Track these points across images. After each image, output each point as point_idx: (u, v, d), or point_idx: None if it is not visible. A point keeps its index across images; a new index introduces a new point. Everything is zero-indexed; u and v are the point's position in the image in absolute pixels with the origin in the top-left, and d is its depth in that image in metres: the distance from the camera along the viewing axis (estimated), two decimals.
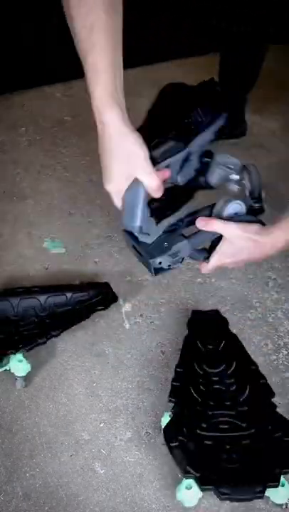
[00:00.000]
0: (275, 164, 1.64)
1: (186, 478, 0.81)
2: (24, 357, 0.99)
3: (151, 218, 0.87)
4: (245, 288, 1.24)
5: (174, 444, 0.83)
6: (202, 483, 0.79)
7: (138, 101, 1.96)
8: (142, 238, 0.85)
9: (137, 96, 1.99)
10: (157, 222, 0.89)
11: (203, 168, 0.92)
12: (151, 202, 0.88)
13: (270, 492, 0.81)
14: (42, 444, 0.94)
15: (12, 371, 0.99)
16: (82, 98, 2.03)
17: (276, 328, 1.14)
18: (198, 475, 0.80)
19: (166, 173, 0.84)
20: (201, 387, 0.93)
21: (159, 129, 1.01)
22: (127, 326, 1.15)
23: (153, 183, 0.80)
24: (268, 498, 0.83)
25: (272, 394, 0.92)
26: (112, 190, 0.84)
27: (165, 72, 2.10)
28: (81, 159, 1.62)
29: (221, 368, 0.96)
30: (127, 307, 1.18)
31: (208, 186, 0.94)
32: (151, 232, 0.87)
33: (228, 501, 0.85)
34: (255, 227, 0.88)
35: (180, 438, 0.84)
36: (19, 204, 1.49)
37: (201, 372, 0.96)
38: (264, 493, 0.78)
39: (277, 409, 0.93)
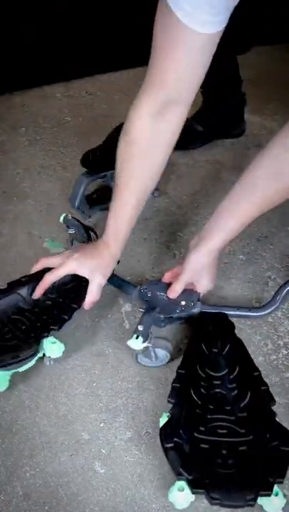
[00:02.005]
0: None
1: (179, 480, 0.80)
2: (56, 337, 1.01)
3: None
4: (245, 288, 1.24)
5: (169, 445, 0.83)
6: (194, 486, 0.79)
7: None
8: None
9: None
10: (91, 207, 1.41)
11: None
12: (91, 194, 1.45)
13: (263, 501, 0.80)
14: (42, 444, 0.94)
15: (48, 354, 1.01)
16: (82, 98, 2.05)
17: (276, 328, 1.14)
18: (190, 478, 0.79)
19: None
20: (202, 390, 0.93)
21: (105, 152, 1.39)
22: (127, 326, 1.15)
23: (90, 298, 1.05)
24: (261, 507, 0.82)
25: (273, 401, 0.91)
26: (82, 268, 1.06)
27: None
28: None
29: (224, 372, 0.95)
30: (127, 307, 1.19)
31: None
32: None
33: None
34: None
35: (176, 439, 0.83)
36: (19, 204, 1.49)
37: (203, 375, 0.95)
38: (256, 501, 0.77)
39: (277, 409, 0.93)
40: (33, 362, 0.99)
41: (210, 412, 0.89)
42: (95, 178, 1.38)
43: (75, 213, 1.42)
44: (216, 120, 1.69)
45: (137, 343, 0.97)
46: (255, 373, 0.95)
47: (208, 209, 1.45)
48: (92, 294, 1.04)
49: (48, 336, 1.01)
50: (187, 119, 1.71)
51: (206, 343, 1.00)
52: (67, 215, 1.24)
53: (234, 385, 0.93)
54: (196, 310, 1.08)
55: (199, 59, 0.92)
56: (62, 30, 2.00)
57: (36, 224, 1.41)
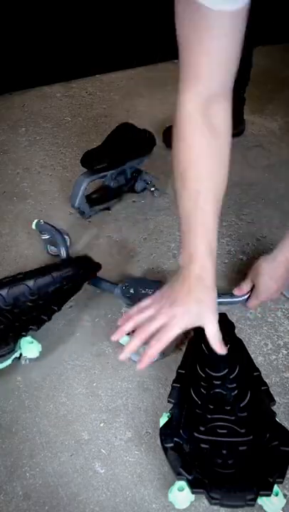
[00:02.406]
0: (275, 164, 1.64)
1: (178, 480, 0.80)
2: (34, 337, 1.01)
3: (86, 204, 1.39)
4: None
5: (169, 445, 0.83)
6: (193, 486, 0.79)
7: (138, 101, 1.96)
8: None
9: (137, 96, 2.00)
10: (91, 207, 1.40)
11: (132, 179, 1.47)
12: (91, 194, 1.43)
13: (263, 501, 0.80)
14: (42, 444, 0.94)
15: (24, 354, 1.01)
16: (82, 98, 2.05)
17: (276, 328, 1.14)
18: (190, 478, 0.79)
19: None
20: (202, 390, 0.93)
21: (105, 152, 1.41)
22: None
23: (214, 329, 0.88)
24: (261, 507, 0.82)
25: (273, 401, 0.91)
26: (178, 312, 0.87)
27: (165, 72, 2.10)
28: None
29: (224, 372, 0.95)
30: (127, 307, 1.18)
31: (133, 191, 1.49)
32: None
33: None
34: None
35: (175, 439, 0.83)
36: (19, 204, 1.49)
37: (203, 375, 0.95)
38: (255, 501, 0.77)
39: (277, 409, 0.93)
40: (9, 361, 0.99)
41: (210, 412, 0.89)
42: (95, 178, 1.38)
43: (74, 213, 1.42)
44: None
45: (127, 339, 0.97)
46: (255, 373, 0.95)
47: None
48: (214, 337, 0.89)
49: (26, 336, 1.01)
50: None
51: (206, 343, 1.00)
52: (39, 221, 1.23)
53: (234, 385, 0.93)
54: None
55: (229, 43, 0.84)
56: (62, 30, 1.99)
57: None
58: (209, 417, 0.88)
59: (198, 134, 0.90)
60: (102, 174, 1.38)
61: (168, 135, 1.69)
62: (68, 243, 1.28)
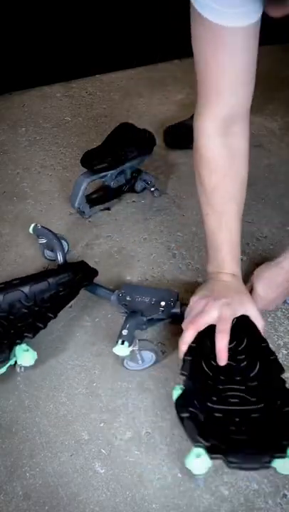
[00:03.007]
0: (275, 164, 1.64)
1: (196, 447, 0.80)
2: (29, 345, 0.99)
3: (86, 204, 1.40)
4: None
5: (185, 414, 0.83)
6: (211, 452, 0.80)
7: (138, 101, 1.96)
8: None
9: (137, 96, 2.00)
10: (91, 207, 1.41)
11: (132, 179, 1.47)
12: (91, 194, 1.45)
13: (277, 463, 0.80)
14: (42, 444, 0.94)
15: (19, 362, 0.98)
16: (82, 98, 2.05)
17: (276, 328, 1.14)
18: (208, 444, 0.80)
19: None
20: (212, 362, 0.93)
21: (105, 152, 1.41)
22: None
23: (262, 323, 0.97)
24: (275, 469, 0.82)
25: (282, 370, 0.91)
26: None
27: (165, 72, 2.10)
28: None
29: (232, 344, 0.95)
30: None
31: (133, 191, 1.49)
32: None
33: (228, 500, 0.85)
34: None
35: (190, 409, 0.84)
36: (19, 204, 1.49)
37: (212, 348, 0.96)
38: (271, 463, 0.78)
39: None
40: (3, 369, 0.97)
41: (221, 383, 0.90)
42: (95, 178, 1.38)
43: (74, 213, 1.42)
44: None
45: (123, 349, 0.97)
46: (263, 344, 0.95)
47: None
48: (259, 320, 0.97)
49: (21, 343, 0.99)
50: (187, 119, 1.73)
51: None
52: (36, 225, 1.22)
53: (243, 356, 0.93)
54: (176, 310, 1.07)
55: (243, 59, 0.90)
56: (63, 30, 2.00)
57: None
58: (220, 387, 0.89)
59: (219, 158, 0.98)
60: (102, 174, 1.38)
61: (168, 135, 1.70)
62: (66, 248, 1.27)
